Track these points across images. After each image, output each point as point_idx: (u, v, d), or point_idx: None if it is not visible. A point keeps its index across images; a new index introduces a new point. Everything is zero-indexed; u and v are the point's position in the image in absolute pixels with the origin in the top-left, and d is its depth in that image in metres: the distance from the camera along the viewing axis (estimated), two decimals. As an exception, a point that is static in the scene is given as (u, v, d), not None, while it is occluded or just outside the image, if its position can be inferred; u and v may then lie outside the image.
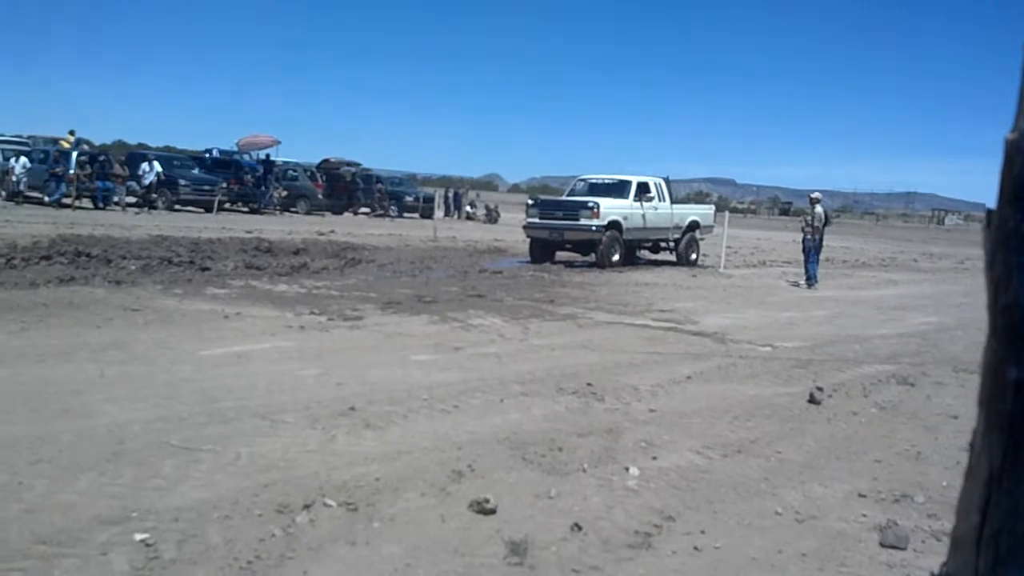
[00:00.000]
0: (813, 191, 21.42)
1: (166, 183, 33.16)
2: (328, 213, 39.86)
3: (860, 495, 5.52)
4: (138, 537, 4.15)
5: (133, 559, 3.93)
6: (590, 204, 21.52)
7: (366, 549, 4.24)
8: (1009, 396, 1.13)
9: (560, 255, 22.58)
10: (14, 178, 30.51)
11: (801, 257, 20.53)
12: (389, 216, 42.06)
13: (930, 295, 19.67)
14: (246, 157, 41.01)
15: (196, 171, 36.41)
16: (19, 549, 3.96)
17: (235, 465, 5.31)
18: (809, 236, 19.87)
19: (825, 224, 20.62)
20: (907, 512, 5.22)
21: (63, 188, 29.53)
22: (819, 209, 20.38)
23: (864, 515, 5.16)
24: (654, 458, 5.99)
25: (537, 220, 22.61)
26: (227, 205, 36.11)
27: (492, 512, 4.78)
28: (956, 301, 17.23)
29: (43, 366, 7.51)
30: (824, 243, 20.87)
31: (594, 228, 21.31)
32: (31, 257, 14.34)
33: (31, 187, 30.93)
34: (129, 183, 32.15)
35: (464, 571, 4.06)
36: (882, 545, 4.69)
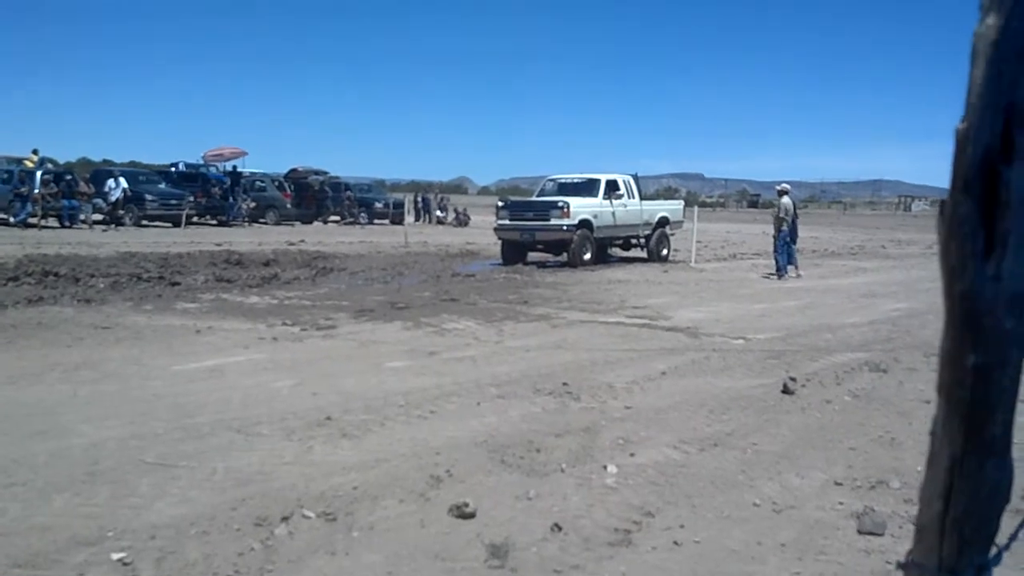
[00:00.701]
0: (780, 183, 21.61)
1: (132, 199, 32.86)
2: (298, 223, 39.70)
3: (836, 483, 5.56)
4: (115, 556, 4.11)
5: (111, 579, 3.90)
6: (560, 204, 21.57)
7: (346, 559, 4.22)
8: (968, 382, 1.15)
9: (532, 256, 22.61)
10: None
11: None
12: (359, 223, 41.96)
13: (899, 281, 19.86)
14: (212, 170, 40.74)
15: (163, 186, 36.14)
16: (-6, 575, 3.92)
17: (211, 480, 5.27)
18: (779, 228, 20.05)
19: (795, 216, 20.82)
20: (883, 498, 5.27)
21: (28, 208, 29.21)
22: (786, 200, 20.56)
23: (841, 503, 5.20)
24: (632, 455, 6.01)
25: (508, 222, 22.63)
26: (195, 219, 35.86)
27: (472, 516, 4.78)
28: (925, 287, 17.40)
29: (14, 388, 7.42)
30: (798, 234, 21.09)
31: (565, 228, 21.37)
32: (-3, 278, 14.17)
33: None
34: (95, 200, 31.86)
35: (446, 576, 4.06)
36: (860, 532, 4.73)
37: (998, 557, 1.22)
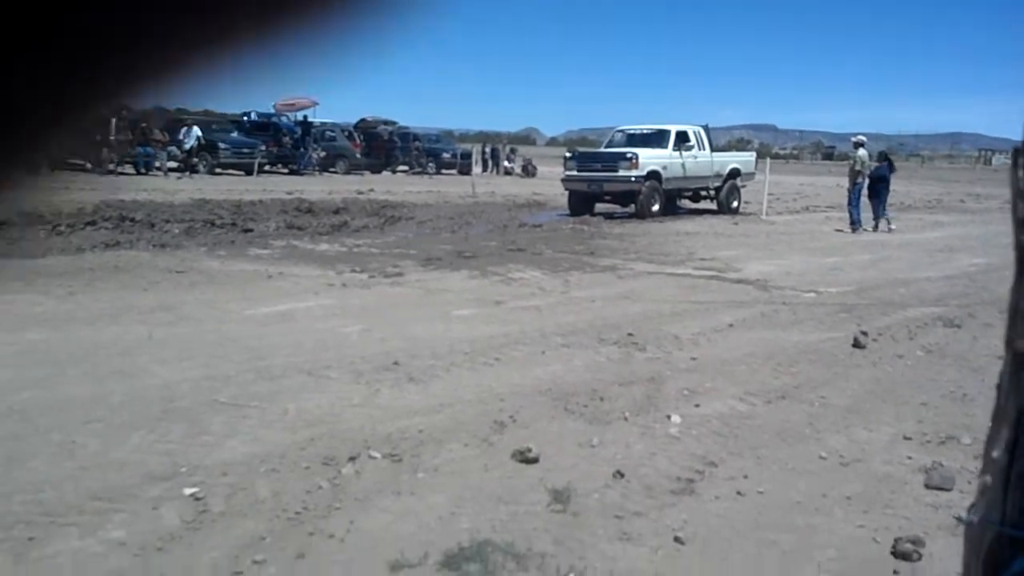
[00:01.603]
0: (856, 134, 21.06)
1: (206, 147, 33.36)
2: (367, 172, 39.91)
3: (905, 438, 5.48)
4: (187, 492, 4.24)
5: (183, 513, 4.03)
6: (628, 155, 21.35)
7: (411, 499, 4.30)
8: None
9: (600, 207, 22.43)
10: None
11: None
12: (427, 173, 42.04)
13: (977, 236, 19.29)
14: (284, 119, 41.10)
15: (235, 135, 36.59)
16: (74, 505, 4.08)
17: (282, 421, 5.40)
18: (854, 180, 19.60)
19: (891, 170, 20.32)
20: (953, 454, 5.18)
21: (103, 153, 29.83)
22: (862, 152, 20.07)
23: (909, 457, 5.13)
24: (696, 406, 5.99)
25: (575, 173, 22.48)
26: (267, 167, 36.30)
27: (535, 461, 4.82)
28: (1003, 242, 16.68)
29: (92, 329, 7.65)
30: (891, 188, 20.60)
31: (633, 179, 21.15)
32: (76, 223, 14.53)
33: (74, 153, 31.32)
34: (169, 148, 32.42)
35: (508, 519, 4.11)
36: (927, 487, 4.67)
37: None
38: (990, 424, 1.23)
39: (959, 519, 1.26)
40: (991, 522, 1.20)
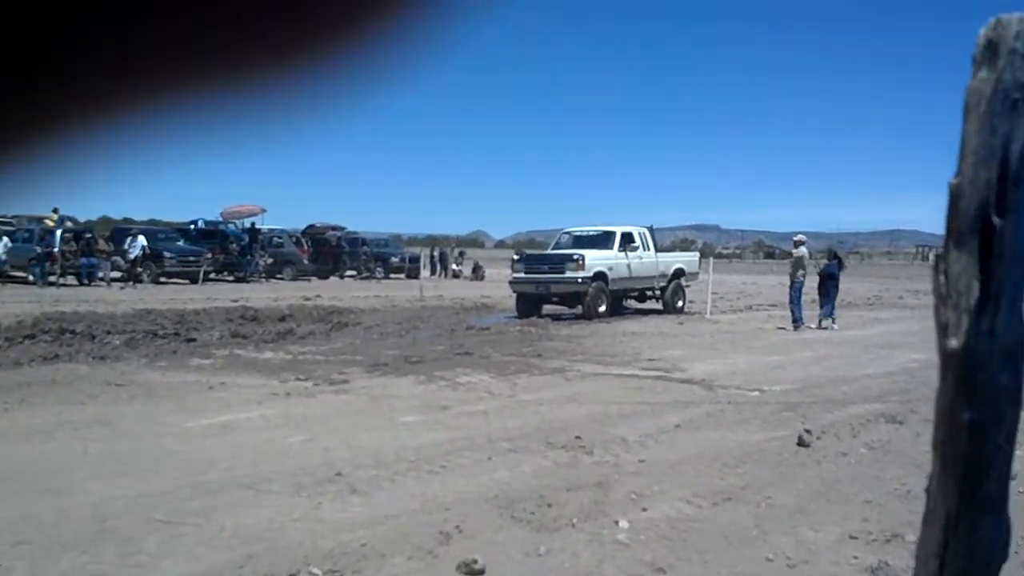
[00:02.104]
0: (796, 233, 21.59)
1: (151, 256, 33.15)
2: (314, 278, 39.87)
3: (851, 537, 5.48)
4: (119, 617, 4.08)
5: (114, 640, 3.86)
6: (575, 256, 21.61)
7: (352, 617, 4.17)
8: (963, 439, 1.14)
9: (547, 308, 22.57)
10: (-2, 258, 30.56)
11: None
12: (376, 278, 42.10)
13: (916, 332, 19.62)
14: (231, 226, 41.10)
15: (181, 243, 36.44)
16: (-2, 635, 3.89)
17: (220, 537, 5.24)
18: (794, 279, 20.03)
19: (840, 267, 20.83)
20: (898, 551, 5.18)
21: (46, 267, 29.53)
22: (802, 251, 20.55)
23: (855, 557, 5.12)
24: (644, 509, 5.95)
25: (523, 275, 22.66)
26: (213, 275, 36.11)
27: (481, 573, 4.72)
28: (943, 336, 17.19)
29: (26, 445, 7.44)
30: (840, 287, 21.06)
31: (580, 280, 21.37)
32: (14, 337, 14.26)
33: (14, 267, 30.97)
34: (113, 258, 32.17)
35: (452, 635, 4.00)
36: (875, 587, 4.65)
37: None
38: (920, 527, 1.23)
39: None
40: None
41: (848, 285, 23.17)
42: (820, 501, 6.26)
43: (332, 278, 41.54)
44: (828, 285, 20.34)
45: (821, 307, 20.34)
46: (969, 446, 1.14)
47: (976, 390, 1.13)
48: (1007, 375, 1.12)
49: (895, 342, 17.30)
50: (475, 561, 4.79)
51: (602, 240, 23.20)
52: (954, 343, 1.13)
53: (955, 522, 1.16)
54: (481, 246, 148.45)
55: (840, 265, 21.09)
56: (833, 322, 20.11)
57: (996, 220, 1.11)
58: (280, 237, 41.94)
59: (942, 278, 1.14)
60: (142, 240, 32.80)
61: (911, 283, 47.76)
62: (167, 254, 33.99)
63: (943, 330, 1.14)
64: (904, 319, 23.81)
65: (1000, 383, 1.12)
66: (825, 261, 21.29)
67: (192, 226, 41.06)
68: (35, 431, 7.96)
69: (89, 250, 31.20)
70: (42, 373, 11.20)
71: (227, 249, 37.28)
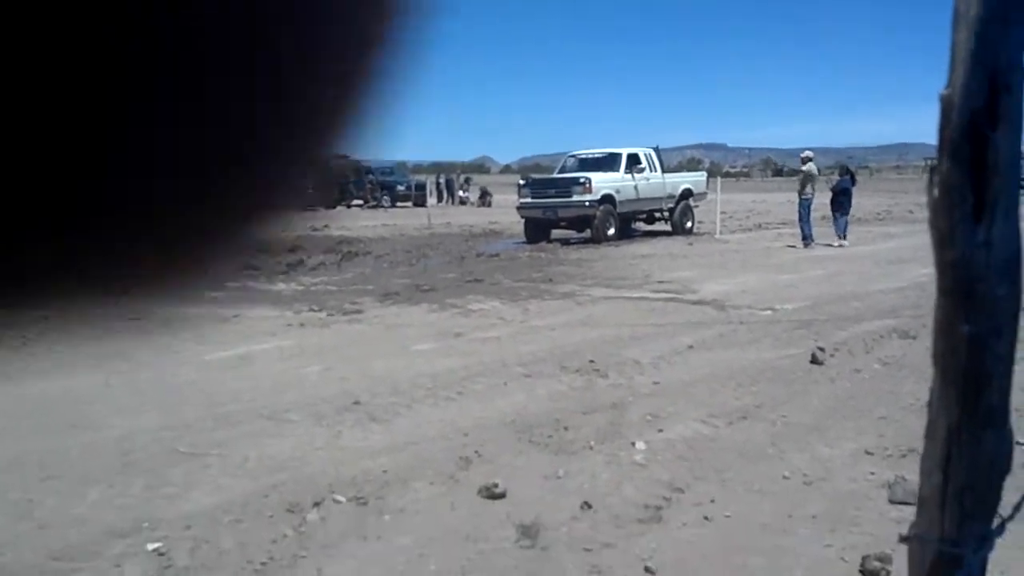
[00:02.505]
0: (804, 150, 21.41)
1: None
2: (320, 208, 39.66)
3: (867, 452, 5.53)
4: (151, 547, 4.16)
5: (147, 569, 3.95)
6: (582, 180, 21.51)
7: (378, 543, 4.26)
8: (962, 351, 1.14)
9: (556, 233, 22.55)
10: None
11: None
12: (382, 207, 42.01)
13: (926, 246, 18.82)
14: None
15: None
16: (34, 565, 3.98)
17: (243, 468, 5.33)
18: (803, 196, 19.92)
19: (852, 183, 20.74)
20: (914, 466, 5.16)
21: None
22: (811, 167, 20.40)
23: (872, 473, 5.17)
24: (660, 430, 6.01)
25: (530, 200, 22.59)
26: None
27: (501, 496, 4.79)
28: (953, 251, 17.14)
29: (46, 381, 7.51)
30: (852, 202, 21.00)
31: (587, 203, 21.31)
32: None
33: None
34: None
35: (476, 557, 4.08)
36: (891, 502, 4.71)
37: (1001, 528, 1.21)
38: (924, 441, 1.24)
39: (901, 538, 1.26)
40: (930, 539, 1.21)
41: (857, 200, 23.02)
42: (835, 418, 6.31)
43: (338, 207, 41.45)
44: (841, 200, 20.25)
45: (835, 223, 20.29)
46: (969, 358, 1.14)
47: (975, 302, 1.13)
48: (1005, 286, 1.12)
49: (905, 257, 17.26)
50: (496, 485, 4.86)
51: (608, 162, 23.06)
52: (951, 254, 1.12)
53: (957, 434, 1.17)
54: (487, 172, 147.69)
55: (852, 180, 20.97)
56: (844, 238, 20.05)
57: (988, 131, 1.09)
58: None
59: (936, 190, 1.13)
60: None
61: (920, 197, 47.39)
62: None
63: (939, 242, 1.13)
64: (914, 233, 23.72)
65: (998, 294, 1.12)
66: (837, 177, 21.15)
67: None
68: (54, 366, 8.02)
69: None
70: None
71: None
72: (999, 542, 1.21)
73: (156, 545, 4.18)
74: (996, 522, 1.21)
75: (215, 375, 7.73)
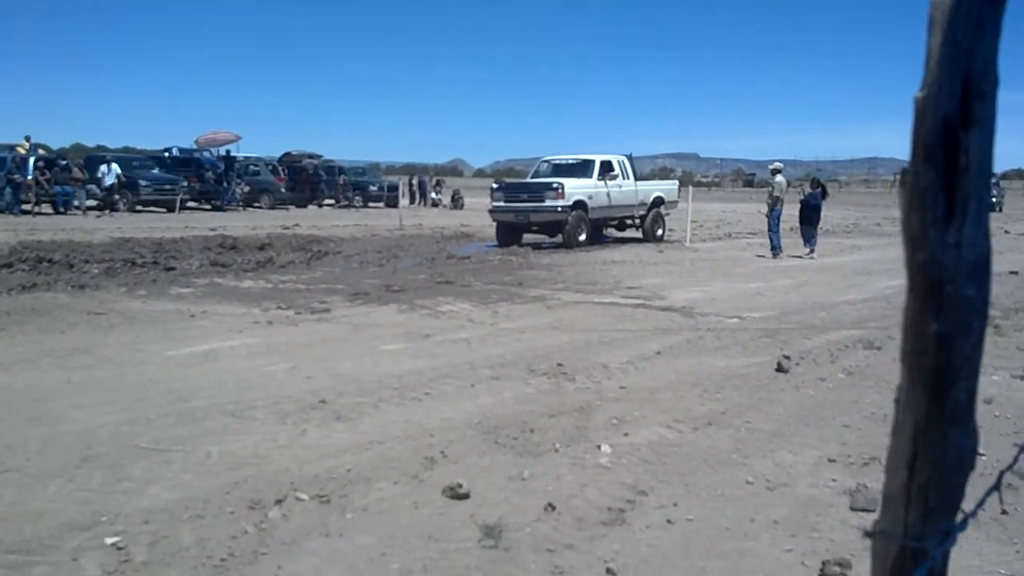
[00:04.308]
0: (774, 162, 21.57)
1: (126, 184, 32.75)
2: (292, 207, 39.64)
3: (830, 460, 5.58)
4: (109, 541, 4.11)
5: (104, 563, 3.90)
6: (554, 185, 21.55)
7: (340, 541, 4.23)
8: (930, 350, 1.15)
9: (527, 237, 22.58)
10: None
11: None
12: (354, 207, 41.87)
13: (894, 258, 19.74)
14: (206, 154, 40.62)
15: (156, 171, 36.00)
16: (-12, 560, 3.92)
17: (205, 464, 5.28)
18: (772, 207, 20.06)
19: (823, 196, 20.94)
20: (876, 474, 5.27)
21: (20, 195, 29.10)
22: (780, 179, 20.56)
23: (834, 480, 5.22)
24: (625, 434, 6.02)
25: (503, 203, 22.60)
26: (189, 204, 35.81)
27: (465, 497, 4.79)
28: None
29: (7, 374, 7.41)
30: (822, 215, 21.23)
31: (559, 209, 21.34)
32: (-9, 266, 14.13)
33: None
34: (88, 186, 31.77)
35: (439, 557, 4.07)
36: (852, 509, 4.75)
37: (964, 524, 1.23)
38: (890, 439, 1.26)
39: (865, 533, 1.28)
40: (894, 534, 1.23)
41: (826, 213, 23.24)
42: (798, 425, 6.36)
43: (310, 207, 41.31)
44: (810, 214, 20.44)
45: (803, 236, 20.48)
46: (937, 357, 1.16)
47: (944, 302, 1.14)
48: (973, 287, 1.14)
49: (873, 269, 17.45)
50: (460, 485, 4.85)
51: (581, 168, 23.12)
52: (921, 255, 1.14)
53: (924, 432, 1.19)
54: (460, 174, 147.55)
55: (823, 194, 21.17)
56: (812, 250, 20.23)
57: (961, 134, 1.11)
58: (256, 165, 41.52)
59: (909, 192, 1.14)
60: (116, 168, 32.37)
61: (888, 211, 48.02)
62: (143, 182, 33.61)
63: (911, 243, 1.15)
64: (881, 246, 24.00)
65: (967, 295, 1.14)
66: (808, 190, 21.34)
67: (166, 154, 40.53)
68: (17, 360, 7.93)
69: (64, 178, 30.77)
70: (21, 302, 11.11)
71: (203, 177, 36.88)
72: (962, 536, 1.24)
73: (114, 539, 4.13)
74: (959, 518, 1.23)
75: (179, 372, 7.65)
